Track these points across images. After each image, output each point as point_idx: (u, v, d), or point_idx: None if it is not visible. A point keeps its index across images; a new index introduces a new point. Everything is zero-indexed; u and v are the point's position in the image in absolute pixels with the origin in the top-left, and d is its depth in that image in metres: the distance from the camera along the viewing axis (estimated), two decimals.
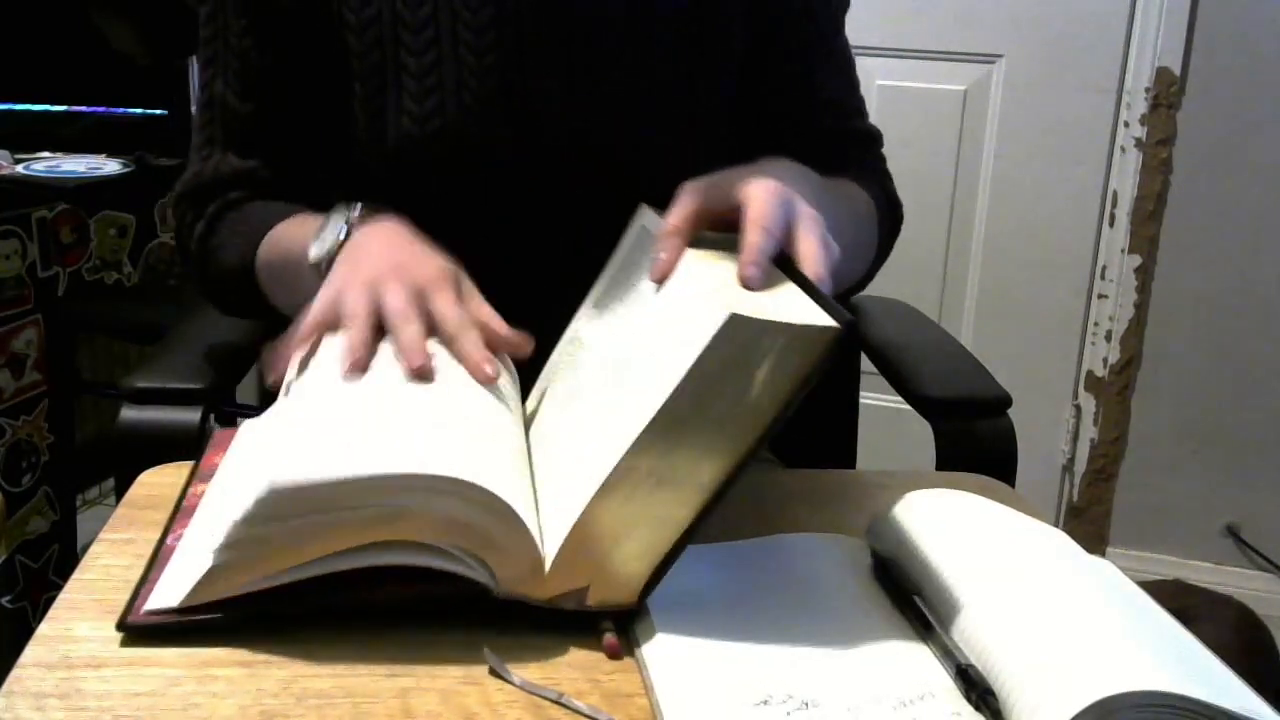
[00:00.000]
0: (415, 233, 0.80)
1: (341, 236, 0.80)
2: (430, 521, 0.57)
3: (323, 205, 0.97)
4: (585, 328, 0.78)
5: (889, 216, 1.03)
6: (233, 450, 0.74)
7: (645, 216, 0.80)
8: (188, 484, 0.72)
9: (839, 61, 1.04)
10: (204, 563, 0.58)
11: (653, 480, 0.59)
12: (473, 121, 0.91)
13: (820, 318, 0.58)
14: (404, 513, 0.57)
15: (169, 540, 0.65)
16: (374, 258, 0.75)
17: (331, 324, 0.71)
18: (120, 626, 0.58)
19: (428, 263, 0.75)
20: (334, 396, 0.64)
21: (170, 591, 0.59)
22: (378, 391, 0.65)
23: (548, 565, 0.58)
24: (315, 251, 0.81)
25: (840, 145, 1.02)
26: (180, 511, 0.68)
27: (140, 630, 0.58)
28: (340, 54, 0.92)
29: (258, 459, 0.64)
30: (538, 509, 0.63)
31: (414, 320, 0.69)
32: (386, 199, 0.94)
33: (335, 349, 0.69)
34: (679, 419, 0.58)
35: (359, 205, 0.82)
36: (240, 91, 0.95)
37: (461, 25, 0.90)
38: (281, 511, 0.56)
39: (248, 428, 0.75)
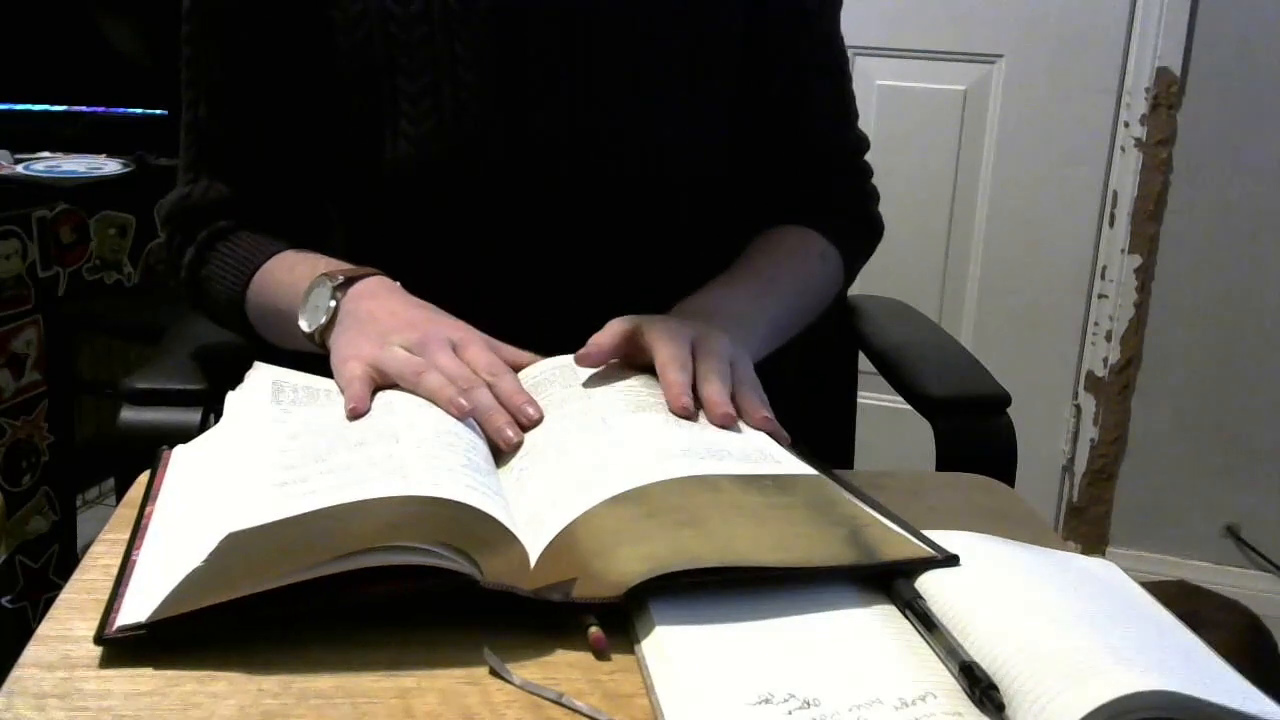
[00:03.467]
0: (399, 288, 0.84)
1: (332, 306, 0.82)
2: (411, 524, 0.57)
3: (312, 229, 0.97)
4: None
5: (865, 237, 1.07)
6: (171, 478, 0.72)
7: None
8: (144, 504, 0.70)
9: (831, 72, 1.04)
10: (169, 581, 0.57)
11: (678, 516, 0.60)
12: (472, 143, 0.90)
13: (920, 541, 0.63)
14: (385, 523, 0.57)
15: (134, 556, 0.64)
16: (390, 318, 0.78)
17: (377, 384, 0.74)
18: (98, 640, 0.56)
19: (442, 317, 0.79)
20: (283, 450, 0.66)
21: (139, 607, 0.58)
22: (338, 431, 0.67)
23: (535, 556, 0.59)
24: (307, 324, 0.83)
25: (825, 166, 1.04)
26: (141, 529, 0.67)
27: (118, 644, 0.56)
28: (331, 77, 0.91)
29: (206, 509, 0.64)
30: (523, 502, 0.64)
31: (478, 383, 0.72)
32: (379, 220, 0.94)
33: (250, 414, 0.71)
34: (728, 496, 0.61)
35: (339, 276, 0.84)
36: (223, 117, 0.94)
37: (459, 44, 0.89)
38: (240, 551, 0.56)
39: (181, 452, 0.75)
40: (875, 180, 1.08)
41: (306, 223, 0.98)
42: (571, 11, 0.90)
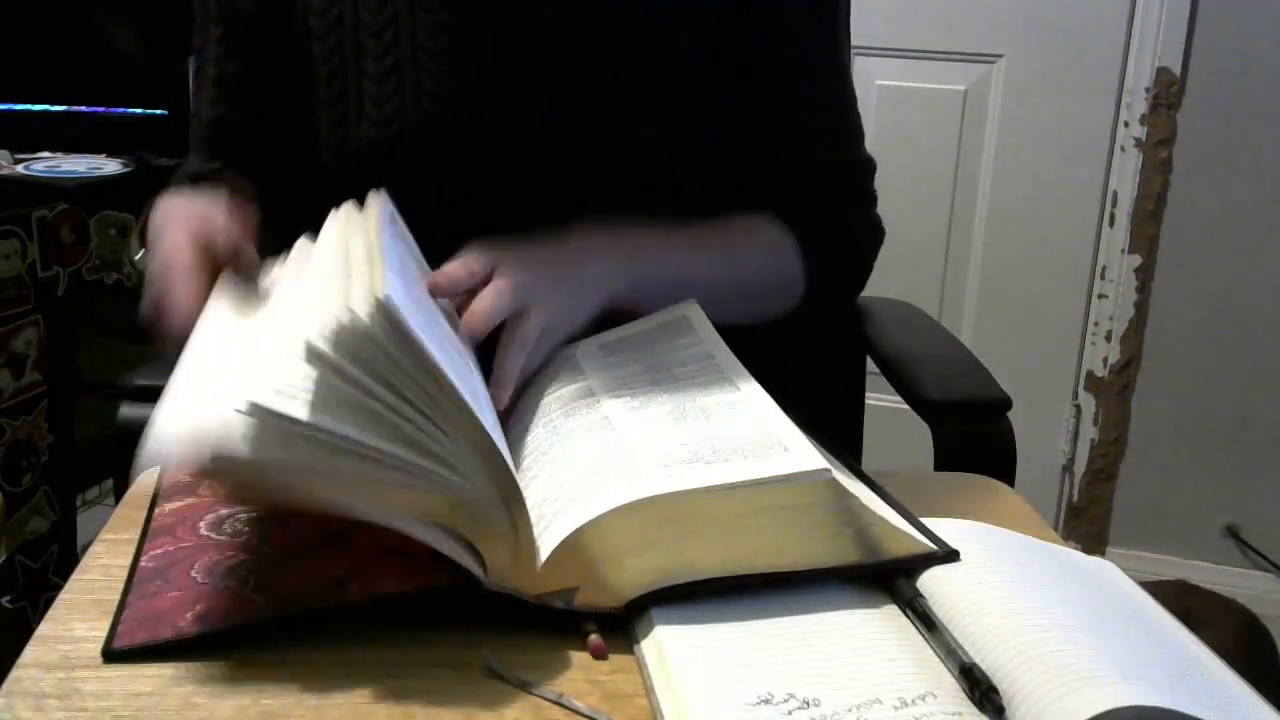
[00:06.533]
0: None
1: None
2: (425, 499, 0.57)
3: (283, 206, 0.97)
4: (586, 358, 0.79)
5: (845, 256, 1.01)
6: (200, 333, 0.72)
7: (691, 309, 0.82)
8: (153, 504, 0.70)
9: (831, 88, 1.01)
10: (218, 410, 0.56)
11: (685, 526, 0.60)
12: (433, 124, 0.91)
13: (916, 535, 0.63)
14: (400, 490, 0.56)
15: (143, 562, 0.64)
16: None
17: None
18: (106, 653, 0.56)
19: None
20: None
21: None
22: None
23: (541, 558, 0.59)
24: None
25: (811, 181, 1.00)
26: (150, 533, 0.66)
27: (130, 655, 0.56)
28: (304, 60, 0.94)
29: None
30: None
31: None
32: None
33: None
34: (735, 504, 0.60)
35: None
36: (211, 99, 0.98)
37: (420, 28, 0.90)
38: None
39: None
40: (875, 178, 1.04)
41: (277, 201, 0.97)
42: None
